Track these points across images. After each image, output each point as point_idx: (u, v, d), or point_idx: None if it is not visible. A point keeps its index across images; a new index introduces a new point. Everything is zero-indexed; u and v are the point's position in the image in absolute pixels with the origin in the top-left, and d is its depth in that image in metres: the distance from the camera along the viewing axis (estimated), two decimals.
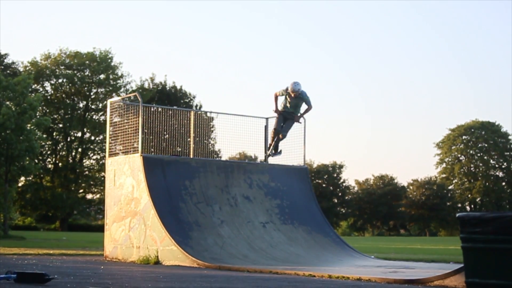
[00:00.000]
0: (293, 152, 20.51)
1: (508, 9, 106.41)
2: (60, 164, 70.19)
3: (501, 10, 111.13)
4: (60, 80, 69.27)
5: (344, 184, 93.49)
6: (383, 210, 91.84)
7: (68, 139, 69.98)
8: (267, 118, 20.82)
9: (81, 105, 70.30)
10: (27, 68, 66.74)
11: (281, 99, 17.39)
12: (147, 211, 17.06)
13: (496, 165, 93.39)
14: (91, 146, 70.86)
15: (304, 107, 17.37)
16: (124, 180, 18.15)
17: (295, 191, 19.84)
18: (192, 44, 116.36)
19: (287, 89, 16.99)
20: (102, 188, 64.72)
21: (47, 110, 67.44)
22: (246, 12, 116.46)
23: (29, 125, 37.27)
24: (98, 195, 71.93)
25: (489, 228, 7.42)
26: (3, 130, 35.30)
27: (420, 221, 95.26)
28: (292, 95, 16.98)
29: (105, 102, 61.62)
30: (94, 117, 70.50)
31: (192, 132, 19.50)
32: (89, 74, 68.85)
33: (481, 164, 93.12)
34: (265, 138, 20.72)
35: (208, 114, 24.27)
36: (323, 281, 11.29)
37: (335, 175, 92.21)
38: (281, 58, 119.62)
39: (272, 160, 20.64)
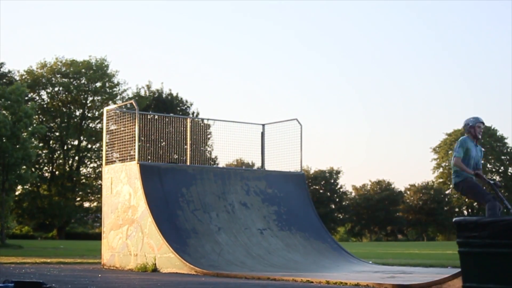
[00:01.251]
0: (289, 159, 20.54)
1: (507, 12, 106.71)
2: (57, 172, 70.13)
3: (499, 13, 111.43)
4: (56, 89, 69.26)
5: (341, 190, 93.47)
6: (381, 215, 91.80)
7: (65, 148, 69.93)
8: (263, 125, 20.86)
9: (77, 113, 70.27)
10: (23, 77, 66.74)
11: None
12: (144, 219, 17.06)
13: (493, 169, 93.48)
14: (88, 154, 70.83)
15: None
16: (121, 188, 18.15)
17: (292, 197, 19.85)
18: (189, 51, 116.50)
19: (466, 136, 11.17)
20: (99, 196, 64.60)
21: (44, 119, 67.42)
22: (242, 19, 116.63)
23: (25, 134, 37.23)
24: (95, 203, 71.83)
25: (486, 232, 7.44)
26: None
27: (417, 226, 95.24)
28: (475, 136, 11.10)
29: (102, 110, 61.57)
30: (90, 125, 70.46)
31: (188, 139, 19.53)
32: (85, 82, 68.84)
33: None
34: (261, 144, 20.76)
35: (205, 121, 24.31)
36: (321, 287, 11.29)
37: (332, 180, 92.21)
38: (278, 64, 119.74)
39: (268, 167, 20.68)
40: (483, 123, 11.08)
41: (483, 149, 11.39)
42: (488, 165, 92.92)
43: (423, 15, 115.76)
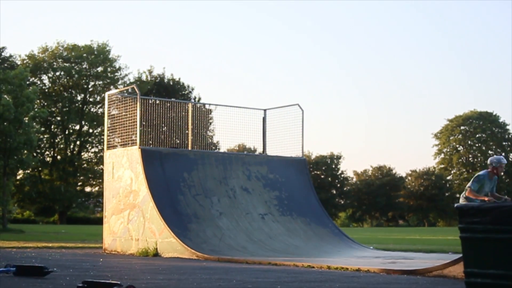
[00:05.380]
0: (291, 144, 20.53)
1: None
2: (58, 157, 70.11)
3: (498, 0, 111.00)
4: (57, 73, 69.13)
5: (342, 175, 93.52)
6: (382, 201, 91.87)
7: (66, 132, 69.87)
8: (265, 110, 20.83)
9: (79, 98, 70.17)
10: (25, 61, 66.59)
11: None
12: (145, 204, 17.06)
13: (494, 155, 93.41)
14: (89, 139, 70.76)
15: None
16: (123, 173, 18.15)
17: (293, 182, 19.85)
18: (191, 36, 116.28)
19: (490, 169, 12.18)
20: (100, 181, 64.63)
21: (45, 103, 67.31)
22: (243, 5, 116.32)
23: (26, 118, 37.22)
24: (96, 188, 71.89)
25: (487, 218, 7.44)
26: (1, 123, 35.30)
27: (418, 211, 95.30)
28: (497, 174, 12.37)
29: (103, 94, 61.57)
30: (92, 110, 70.38)
31: (190, 124, 19.50)
32: (87, 67, 68.70)
33: (479, 154, 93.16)
34: (263, 129, 20.74)
35: (207, 106, 24.29)
36: (322, 272, 11.31)
37: (334, 166, 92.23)
38: (278, 51, 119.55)
39: (270, 152, 20.67)
40: (506, 164, 12.35)
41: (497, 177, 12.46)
42: (490, 151, 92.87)
43: (421, 2, 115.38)
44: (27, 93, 36.60)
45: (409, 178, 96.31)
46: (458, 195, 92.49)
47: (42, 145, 68.10)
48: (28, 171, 63.42)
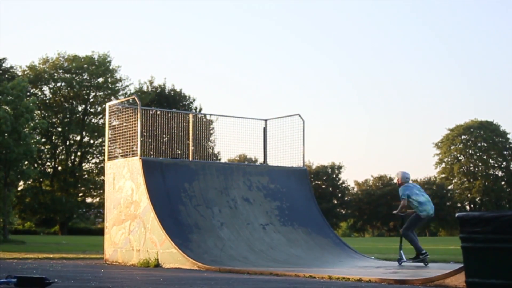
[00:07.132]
0: (292, 154, 20.52)
1: (507, 8, 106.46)
2: (59, 168, 70.18)
3: (500, 9, 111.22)
4: (58, 84, 69.29)
5: (343, 185, 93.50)
6: (383, 210, 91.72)
7: (67, 143, 69.97)
8: (265, 120, 20.84)
9: (79, 108, 70.32)
10: (25, 72, 66.73)
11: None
12: (146, 214, 17.06)
13: (496, 165, 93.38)
14: (90, 150, 70.87)
15: None
16: (124, 184, 18.14)
17: (294, 192, 19.84)
18: (192, 46, 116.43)
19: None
20: (101, 191, 64.64)
21: (46, 114, 67.43)
22: (244, 15, 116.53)
23: (26, 129, 37.22)
24: (97, 199, 71.93)
25: (489, 227, 7.42)
26: (1, 134, 35.30)
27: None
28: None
29: (104, 105, 61.68)
30: (93, 120, 70.51)
31: (191, 134, 19.51)
32: (88, 78, 68.87)
33: (480, 164, 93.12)
34: (264, 139, 20.74)
35: (207, 117, 24.30)
36: (323, 282, 11.29)
37: (334, 176, 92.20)
38: (279, 60, 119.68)
39: (271, 162, 20.67)
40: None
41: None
42: (491, 160, 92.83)
43: (422, 10, 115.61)
44: (26, 104, 36.60)
45: None
46: (459, 205, 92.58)
47: (43, 156, 68.20)
48: (29, 182, 63.49)
